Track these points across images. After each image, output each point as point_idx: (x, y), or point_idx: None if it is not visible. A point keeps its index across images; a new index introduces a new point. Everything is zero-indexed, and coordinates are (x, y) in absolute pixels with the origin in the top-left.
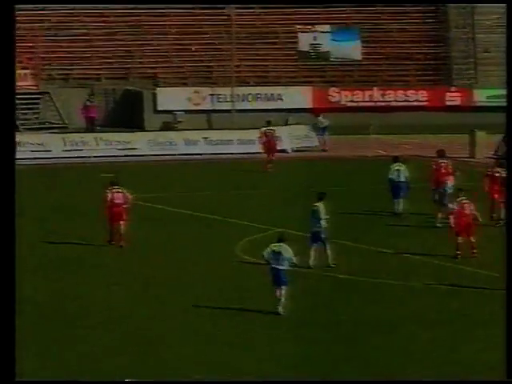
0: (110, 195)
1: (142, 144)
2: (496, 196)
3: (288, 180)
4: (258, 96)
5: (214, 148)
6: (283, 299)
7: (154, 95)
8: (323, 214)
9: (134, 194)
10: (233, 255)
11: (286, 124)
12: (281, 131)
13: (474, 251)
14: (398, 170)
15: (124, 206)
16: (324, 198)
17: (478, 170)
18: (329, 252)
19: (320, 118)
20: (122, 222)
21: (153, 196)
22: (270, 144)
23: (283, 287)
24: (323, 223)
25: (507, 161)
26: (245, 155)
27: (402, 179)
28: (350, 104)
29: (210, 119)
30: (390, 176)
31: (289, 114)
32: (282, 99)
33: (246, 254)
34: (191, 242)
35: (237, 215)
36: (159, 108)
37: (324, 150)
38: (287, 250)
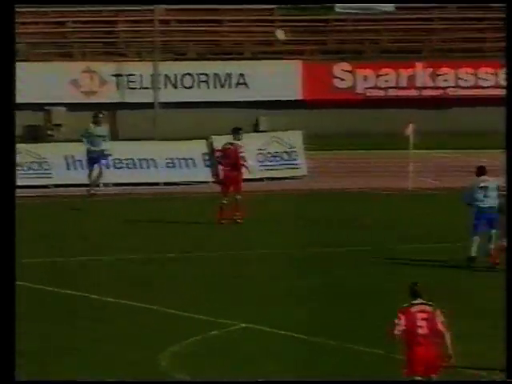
0: None
1: None
2: None
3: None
4: (202, 78)
5: (121, 175)
6: None
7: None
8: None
9: None
10: None
11: (256, 130)
12: (246, 144)
13: None
14: (485, 188)
15: None
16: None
17: None
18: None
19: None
20: None
21: None
22: (231, 169)
23: None
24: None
25: (507, 161)
26: (177, 187)
27: (489, 204)
28: (372, 92)
29: (114, 120)
30: (466, 200)
31: (259, 113)
32: (246, 84)
33: None
34: None
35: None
36: (19, 100)
37: (92, 195)
38: None
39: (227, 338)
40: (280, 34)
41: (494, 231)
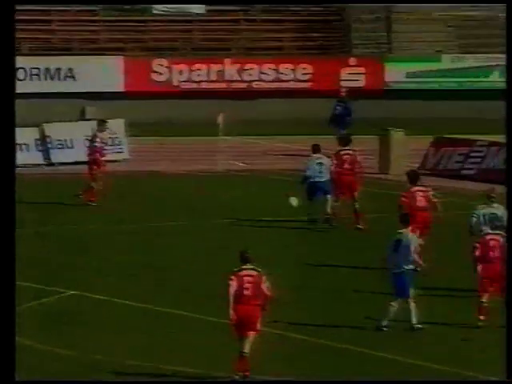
0: None
1: None
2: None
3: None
4: (34, 72)
5: None
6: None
7: None
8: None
9: None
10: None
11: (82, 119)
12: (74, 132)
13: None
14: (319, 164)
15: None
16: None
17: (395, 193)
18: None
19: None
20: None
21: None
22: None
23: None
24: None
25: (507, 160)
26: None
27: (325, 178)
28: (186, 85)
29: None
30: (307, 173)
31: (86, 103)
32: (73, 77)
33: None
34: None
35: None
36: None
37: None
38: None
39: (58, 305)
40: (294, 201)
41: (328, 196)
